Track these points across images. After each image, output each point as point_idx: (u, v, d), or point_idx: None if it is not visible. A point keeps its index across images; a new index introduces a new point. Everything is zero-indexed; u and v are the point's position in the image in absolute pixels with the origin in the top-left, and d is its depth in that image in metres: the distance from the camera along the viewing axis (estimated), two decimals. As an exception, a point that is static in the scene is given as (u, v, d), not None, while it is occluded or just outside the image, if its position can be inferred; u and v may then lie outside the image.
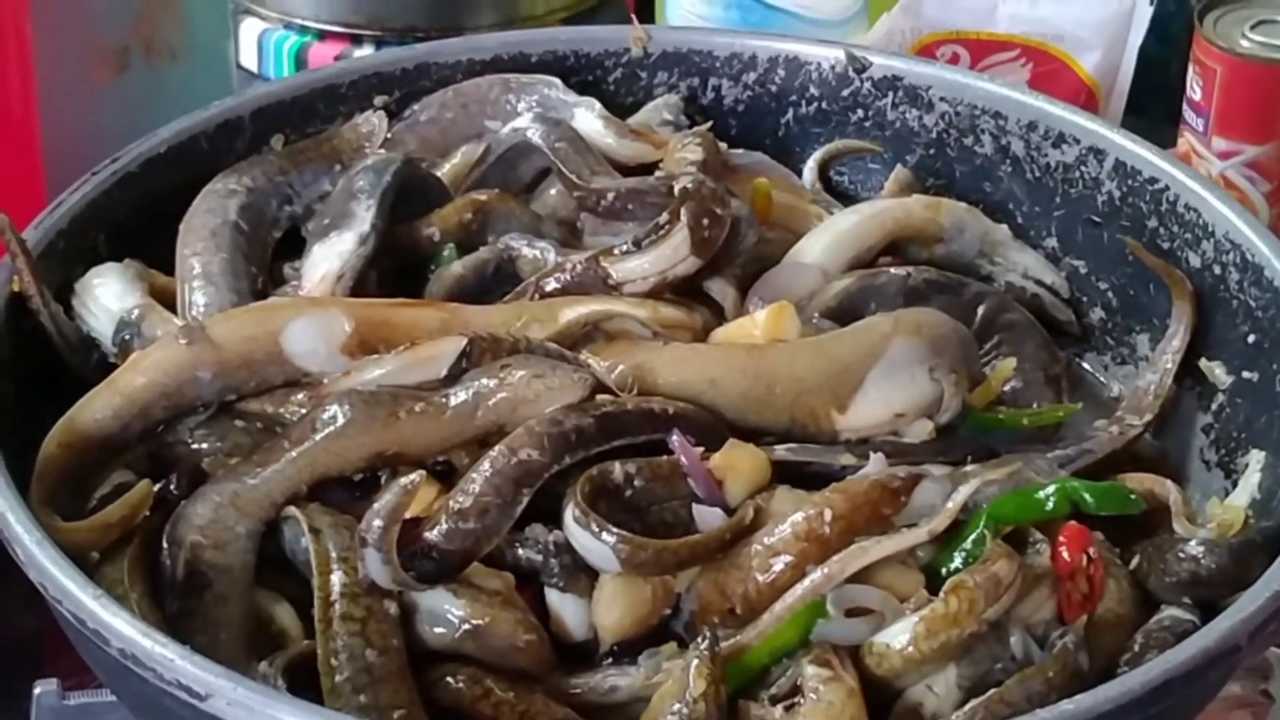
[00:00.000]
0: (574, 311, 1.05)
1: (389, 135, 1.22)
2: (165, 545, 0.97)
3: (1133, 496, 1.02)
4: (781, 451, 1.01)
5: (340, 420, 0.98)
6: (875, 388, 1.02)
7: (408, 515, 0.94)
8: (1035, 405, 1.11)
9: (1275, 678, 1.12)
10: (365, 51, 1.42)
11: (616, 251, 1.08)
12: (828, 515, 0.96)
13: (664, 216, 1.08)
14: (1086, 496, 1.00)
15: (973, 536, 0.97)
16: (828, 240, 1.16)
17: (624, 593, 0.96)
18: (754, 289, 1.11)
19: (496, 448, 0.96)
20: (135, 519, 0.99)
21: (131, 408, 1.02)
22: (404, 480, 0.95)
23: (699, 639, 0.93)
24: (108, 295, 1.10)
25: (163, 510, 0.99)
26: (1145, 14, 1.43)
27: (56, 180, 1.12)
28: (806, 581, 0.95)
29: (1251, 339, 1.10)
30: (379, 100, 1.23)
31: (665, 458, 0.99)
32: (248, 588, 0.98)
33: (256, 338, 1.03)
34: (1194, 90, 1.39)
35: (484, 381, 0.99)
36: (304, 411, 1.01)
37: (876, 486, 0.98)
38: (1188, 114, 1.40)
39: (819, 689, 0.92)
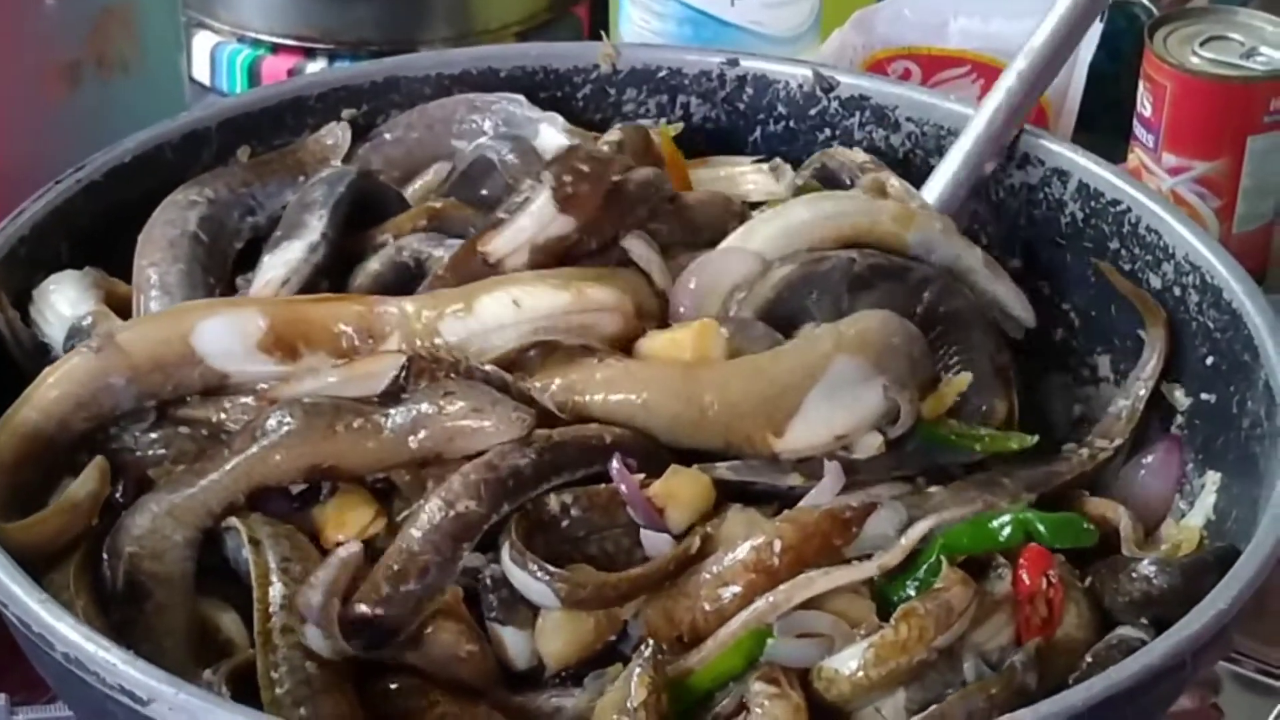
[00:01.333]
0: (493, 298, 1.03)
1: (358, 154, 1.22)
2: (105, 556, 0.97)
3: (1088, 528, 1.01)
4: (724, 471, 1.00)
5: (281, 430, 0.98)
6: (815, 409, 1.00)
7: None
8: (984, 406, 1.09)
9: (1225, 692, 1.12)
10: (319, 65, 1.42)
11: (489, 231, 1.07)
12: (777, 546, 0.96)
13: (527, 183, 1.07)
14: (1040, 528, 0.99)
15: (926, 565, 0.97)
16: (775, 230, 1.11)
17: (566, 624, 0.95)
18: (687, 271, 1.08)
19: (433, 500, 0.96)
20: (101, 497, 0.99)
21: (48, 421, 1.01)
22: (342, 553, 0.94)
23: (641, 647, 0.93)
24: (62, 302, 1.10)
25: (109, 518, 0.99)
26: (1095, 30, 1.44)
27: (8, 196, 1.12)
28: (750, 609, 0.95)
29: (1210, 361, 1.10)
30: (346, 113, 1.23)
31: (603, 486, 0.98)
32: (189, 596, 0.98)
33: (168, 340, 1.02)
34: (1144, 106, 1.39)
35: (424, 408, 0.98)
36: (247, 419, 1.01)
37: (827, 517, 0.97)
38: (1138, 130, 1.40)
39: (764, 704, 0.93)
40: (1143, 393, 1.13)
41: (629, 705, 0.91)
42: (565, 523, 0.97)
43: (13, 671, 1.02)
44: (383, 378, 0.99)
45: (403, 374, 0.99)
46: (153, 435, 1.03)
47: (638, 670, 0.92)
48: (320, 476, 0.99)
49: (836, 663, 0.94)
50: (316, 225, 1.11)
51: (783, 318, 1.06)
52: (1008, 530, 0.99)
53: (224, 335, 1.03)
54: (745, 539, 0.97)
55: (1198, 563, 1.01)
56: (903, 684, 0.93)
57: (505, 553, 0.95)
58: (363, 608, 0.93)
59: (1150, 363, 1.13)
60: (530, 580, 0.94)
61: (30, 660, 0.97)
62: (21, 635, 0.93)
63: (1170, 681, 0.93)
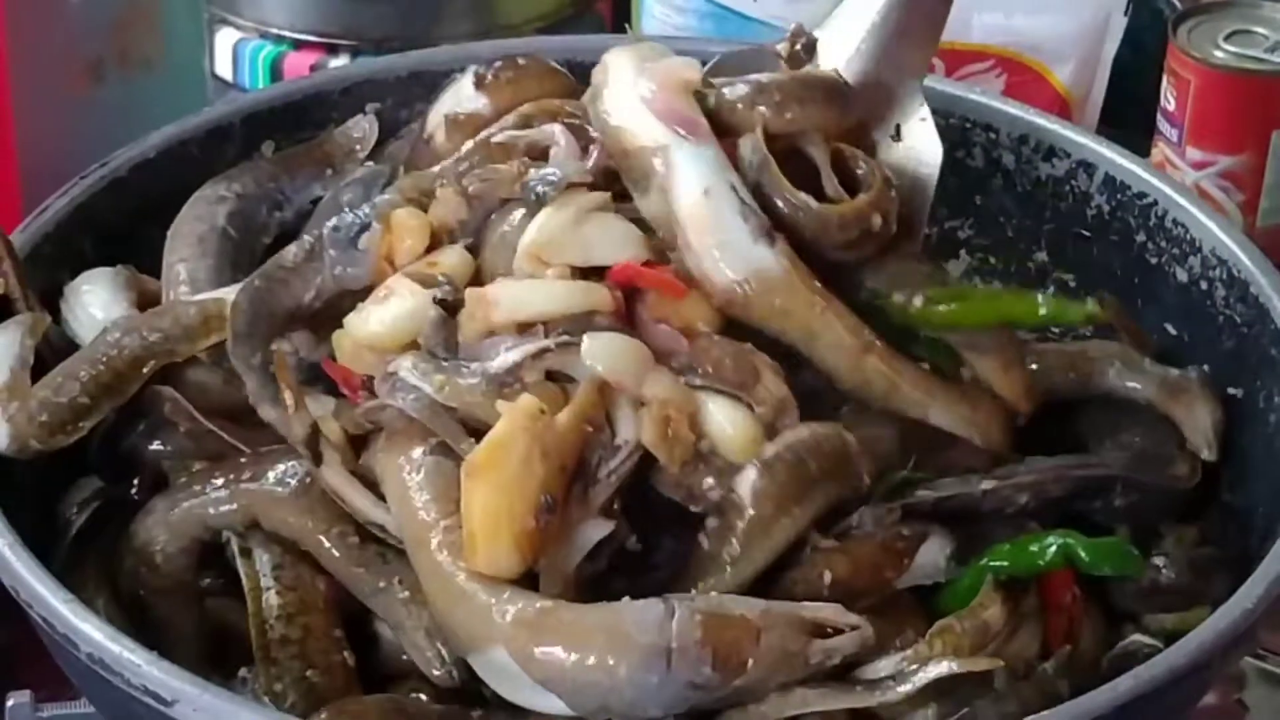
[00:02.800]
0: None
1: (387, 151, 1.21)
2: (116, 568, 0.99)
3: (1130, 553, 0.99)
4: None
5: (289, 483, 0.98)
6: None
7: None
8: None
9: (1250, 687, 1.12)
10: (341, 61, 1.42)
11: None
12: (827, 579, 0.95)
13: None
14: (1082, 553, 0.97)
15: (968, 583, 0.96)
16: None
17: None
18: None
19: None
20: None
21: None
22: None
23: None
24: (94, 302, 1.10)
25: (125, 514, 1.00)
26: (1119, 25, 1.43)
27: (33, 192, 1.12)
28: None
29: (1236, 355, 1.10)
30: (370, 107, 1.23)
31: None
32: (193, 606, 0.99)
33: None
34: (1168, 101, 1.39)
35: None
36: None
37: (879, 548, 0.96)
38: (1162, 124, 1.40)
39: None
40: None
41: None
42: None
43: (38, 668, 1.02)
44: None
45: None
46: (150, 436, 1.03)
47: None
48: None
49: (869, 673, 0.92)
50: None
51: None
52: (1051, 553, 0.97)
53: None
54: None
55: (1207, 557, 1.02)
56: (933, 700, 0.92)
57: None
58: None
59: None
60: None
61: (55, 659, 0.97)
62: (47, 635, 0.93)
63: (1196, 681, 0.93)
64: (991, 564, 0.97)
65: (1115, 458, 1.06)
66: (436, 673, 0.93)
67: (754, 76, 1.04)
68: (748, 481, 0.95)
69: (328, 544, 0.96)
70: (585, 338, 0.94)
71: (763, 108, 1.01)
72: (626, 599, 0.88)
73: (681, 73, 1.03)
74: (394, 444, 0.95)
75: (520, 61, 1.13)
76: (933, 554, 0.97)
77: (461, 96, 1.12)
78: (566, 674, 0.87)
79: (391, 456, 0.95)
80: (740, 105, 1.02)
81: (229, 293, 1.02)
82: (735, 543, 0.94)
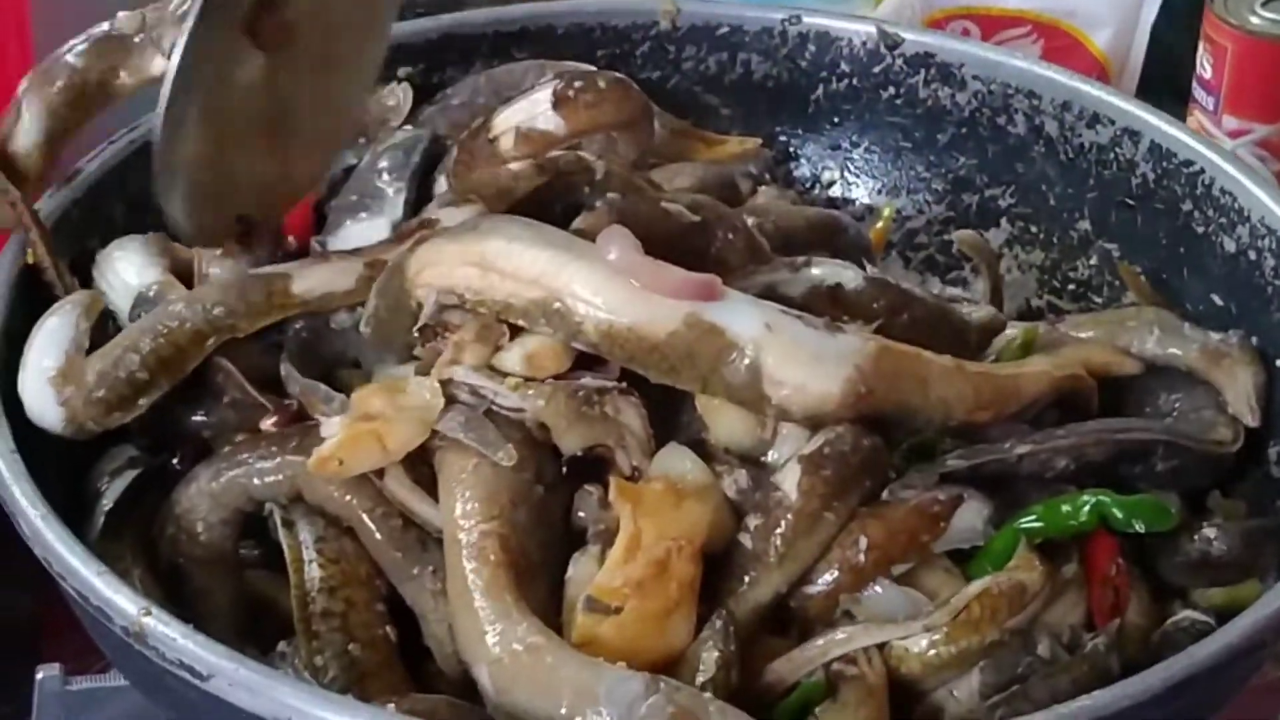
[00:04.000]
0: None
1: (421, 116, 1.20)
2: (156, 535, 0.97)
3: (1166, 509, 0.98)
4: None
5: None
6: None
7: None
8: None
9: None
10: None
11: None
12: (863, 544, 0.94)
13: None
14: (1116, 511, 0.97)
15: (1003, 545, 0.95)
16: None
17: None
18: None
19: None
20: None
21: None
22: None
23: (714, 619, 0.91)
24: (128, 269, 1.08)
25: (164, 484, 0.99)
26: (1156, -9, 1.42)
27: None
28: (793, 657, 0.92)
29: (1286, 327, 1.08)
30: (402, 71, 1.21)
31: None
32: (233, 577, 0.97)
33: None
34: (1204, 68, 1.37)
35: None
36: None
37: (914, 512, 0.95)
38: (1198, 92, 1.38)
39: (839, 688, 0.91)
40: None
41: (699, 680, 0.89)
42: None
43: (66, 640, 1.01)
44: None
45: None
46: (194, 406, 1.02)
47: (709, 642, 0.90)
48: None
49: (908, 640, 0.92)
50: (397, 200, 1.10)
51: None
52: (1084, 514, 0.96)
53: None
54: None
55: (1259, 529, 1.00)
56: (976, 664, 0.92)
57: None
58: None
59: None
60: None
61: (88, 632, 0.96)
62: (80, 608, 0.92)
63: (1249, 660, 0.91)
64: (1024, 525, 0.96)
65: (1156, 422, 1.04)
66: (449, 671, 0.93)
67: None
68: (791, 477, 0.94)
69: (370, 523, 0.95)
70: None
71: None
72: (621, 665, 0.87)
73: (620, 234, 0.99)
74: (452, 450, 0.95)
75: (600, 84, 1.11)
76: (970, 517, 0.96)
77: (537, 111, 1.09)
78: (530, 714, 0.87)
79: (450, 454, 0.94)
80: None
81: (295, 268, 1.02)
82: (780, 540, 0.93)
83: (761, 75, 1.27)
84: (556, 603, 0.92)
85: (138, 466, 1.00)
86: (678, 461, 0.95)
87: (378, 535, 0.95)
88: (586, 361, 0.96)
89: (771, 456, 0.97)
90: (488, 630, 0.89)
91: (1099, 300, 1.20)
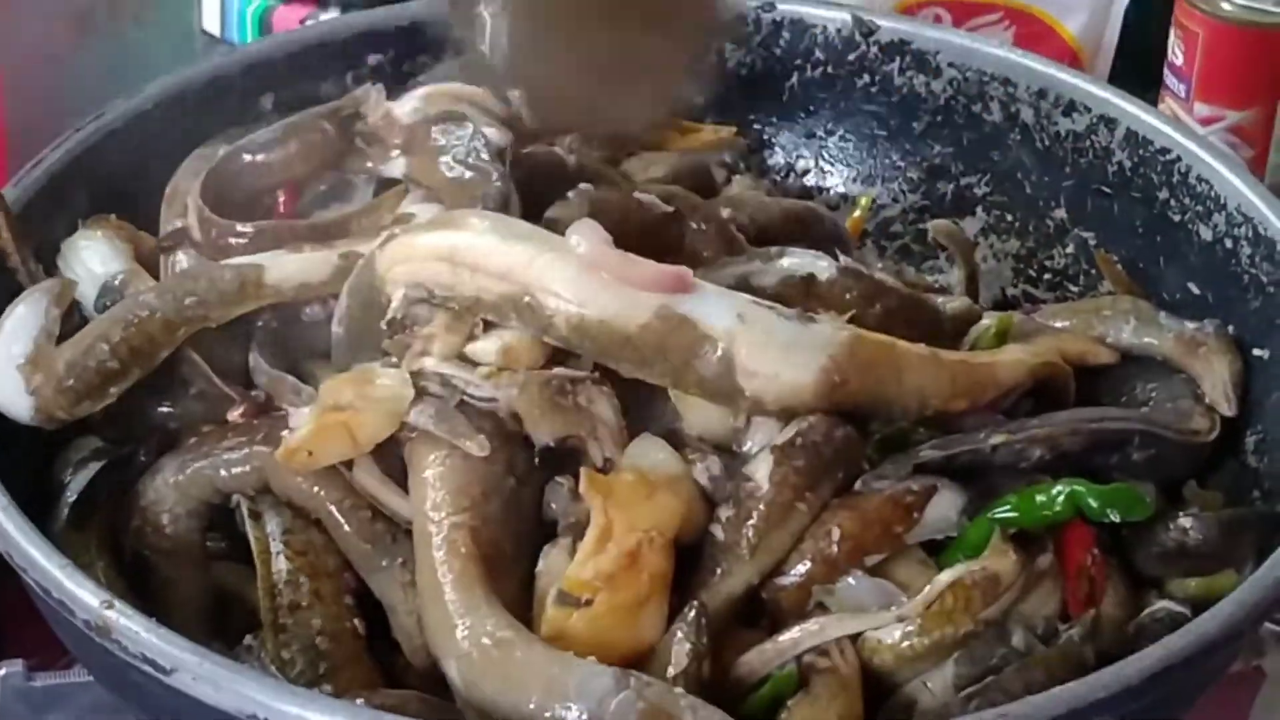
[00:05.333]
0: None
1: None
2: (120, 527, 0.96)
3: (1142, 499, 0.97)
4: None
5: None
6: None
7: None
8: None
9: (1270, 654, 1.10)
10: (330, 15, 1.39)
11: None
12: (835, 534, 0.93)
13: None
14: (1091, 501, 0.95)
15: (975, 536, 0.94)
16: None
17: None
18: None
19: None
20: None
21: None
22: None
23: (686, 610, 0.90)
24: (93, 258, 1.07)
25: (128, 475, 0.98)
26: (1130, -23, 1.41)
27: (19, 144, 1.09)
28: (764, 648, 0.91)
29: (1262, 315, 1.07)
30: (372, 59, 1.21)
31: None
32: (199, 570, 0.96)
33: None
34: (1175, 55, 1.36)
35: None
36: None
37: (888, 503, 0.94)
38: (1169, 79, 1.37)
39: (810, 680, 0.90)
40: None
41: (670, 672, 0.88)
42: None
43: (28, 635, 1.00)
44: None
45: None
46: (160, 396, 1.01)
47: (681, 634, 0.89)
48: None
49: (881, 631, 0.91)
50: (366, 191, 1.09)
51: None
52: (1059, 504, 0.95)
53: None
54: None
55: (1237, 518, 0.99)
56: (950, 656, 0.91)
57: None
58: None
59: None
60: None
61: (51, 626, 0.95)
62: (42, 601, 0.91)
63: (1225, 651, 0.91)
64: (998, 516, 0.95)
65: (1133, 411, 1.04)
66: (418, 664, 0.92)
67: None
68: (764, 468, 0.93)
69: (338, 515, 0.94)
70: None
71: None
72: (592, 659, 0.86)
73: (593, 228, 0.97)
74: (422, 439, 0.94)
75: None
76: (944, 508, 0.95)
77: None
78: (498, 709, 0.86)
79: (421, 446, 0.94)
80: None
81: (268, 259, 1.01)
82: (752, 532, 0.92)
83: (735, 63, 1.26)
84: (528, 595, 0.91)
85: (103, 458, 0.99)
86: (650, 452, 0.95)
87: (346, 527, 0.94)
88: (561, 356, 0.95)
89: (746, 446, 0.96)
90: (457, 624, 0.88)
91: (1075, 289, 1.19)
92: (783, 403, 0.94)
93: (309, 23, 1.41)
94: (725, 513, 0.93)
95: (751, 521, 0.92)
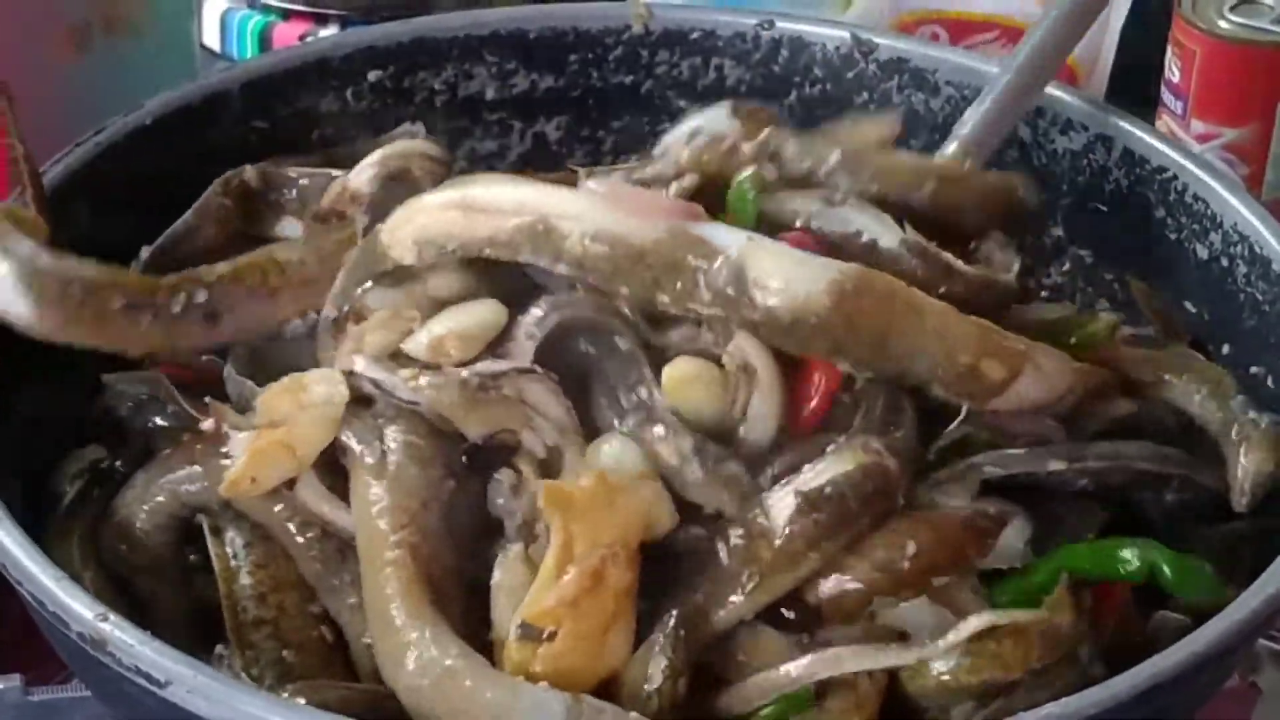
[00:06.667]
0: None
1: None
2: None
3: (1216, 580, 0.94)
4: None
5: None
6: None
7: None
8: None
9: (1264, 670, 1.10)
10: (330, 31, 1.40)
11: None
12: (910, 549, 0.91)
13: None
14: (1166, 570, 0.93)
15: (1040, 579, 0.93)
16: None
17: None
18: None
19: None
20: None
21: None
22: None
23: (666, 618, 0.88)
24: None
25: (111, 487, 0.98)
26: (1126, -5, 1.42)
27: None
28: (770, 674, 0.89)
29: (1259, 333, 1.07)
30: (372, 75, 1.21)
31: None
32: (176, 583, 0.97)
33: None
34: (1172, 72, 1.36)
35: None
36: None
37: (965, 527, 0.92)
38: (1166, 96, 1.37)
39: (826, 693, 0.89)
40: None
41: (646, 689, 0.87)
42: None
43: (25, 651, 1.00)
44: None
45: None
46: (139, 406, 1.01)
47: (657, 648, 0.88)
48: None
49: (930, 654, 0.89)
50: None
51: None
52: (1134, 566, 0.93)
53: None
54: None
55: (1236, 534, 0.99)
56: (988, 699, 0.89)
57: None
58: None
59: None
60: None
61: (48, 639, 0.95)
62: (37, 614, 0.91)
63: (1218, 668, 0.91)
64: (1070, 565, 0.93)
65: (1180, 457, 1.01)
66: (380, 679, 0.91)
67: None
68: (784, 511, 0.91)
69: (292, 530, 0.94)
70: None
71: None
72: (545, 685, 0.85)
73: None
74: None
75: None
76: (1013, 538, 0.94)
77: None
78: None
79: (359, 461, 0.93)
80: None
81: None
82: (756, 569, 0.91)
83: (735, 80, 1.25)
84: (477, 601, 0.90)
85: (94, 469, 1.00)
86: (609, 451, 0.93)
87: (298, 541, 0.94)
88: (493, 349, 0.94)
89: (770, 470, 0.93)
90: (405, 655, 0.87)
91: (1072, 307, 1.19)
92: (795, 315, 0.92)
93: (309, 39, 1.41)
94: (735, 538, 0.91)
95: (757, 562, 0.91)
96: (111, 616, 0.86)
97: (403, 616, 0.88)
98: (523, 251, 0.94)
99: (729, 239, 0.94)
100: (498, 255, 0.95)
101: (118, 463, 1.00)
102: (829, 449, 0.93)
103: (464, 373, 0.93)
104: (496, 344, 0.94)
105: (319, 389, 0.93)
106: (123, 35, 1.28)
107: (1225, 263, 1.10)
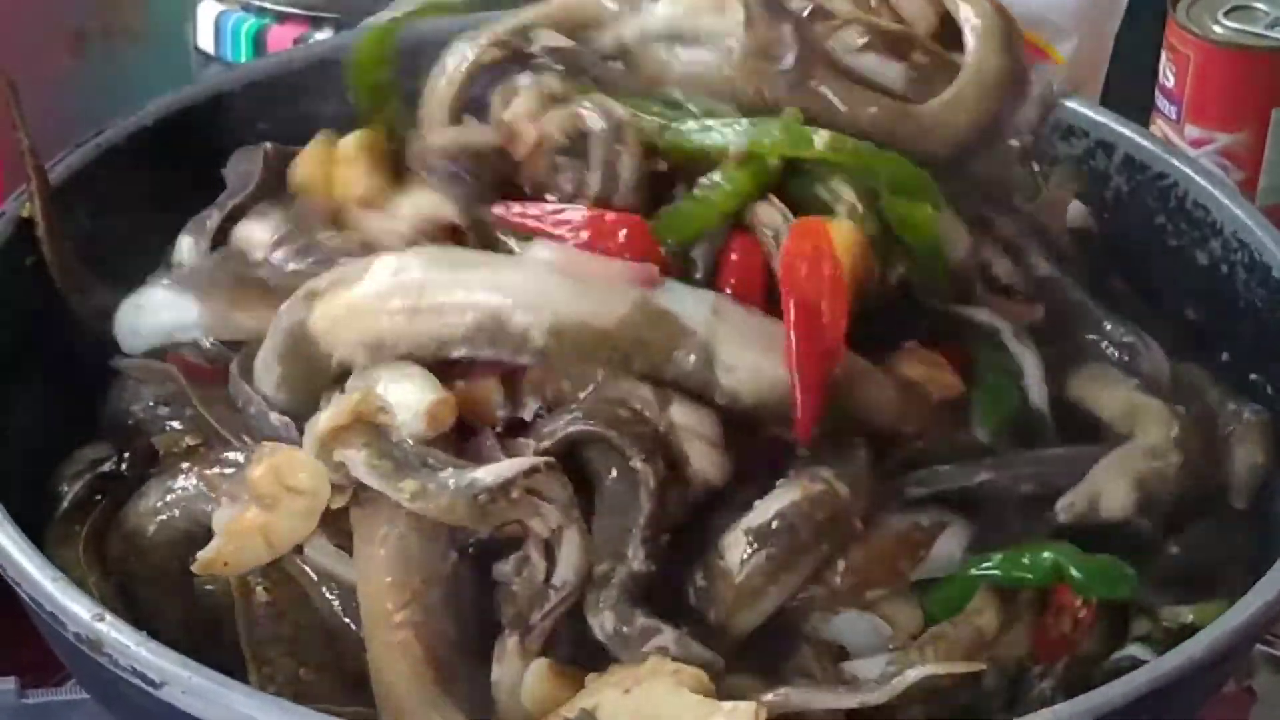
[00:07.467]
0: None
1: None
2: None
3: (1126, 575, 0.94)
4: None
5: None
6: None
7: None
8: None
9: (1261, 675, 1.10)
10: (325, 35, 1.40)
11: None
12: (840, 566, 0.92)
13: None
14: (1075, 573, 0.93)
15: (960, 584, 0.93)
16: None
17: None
18: None
19: None
20: None
21: None
22: None
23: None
24: None
25: (117, 489, 0.98)
26: (1122, 1, 1.41)
27: (14, 164, 1.09)
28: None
29: (1258, 340, 1.07)
30: (374, 77, 1.21)
31: None
32: (181, 596, 0.96)
33: None
34: (1166, 77, 1.37)
35: None
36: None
37: (895, 539, 0.93)
38: (1160, 101, 1.38)
39: None
40: None
41: None
42: None
43: (20, 652, 1.00)
44: None
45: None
46: (165, 404, 1.01)
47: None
48: None
49: (858, 668, 0.90)
50: None
51: None
52: (1043, 570, 0.93)
53: None
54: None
55: (1226, 544, 0.99)
56: (923, 702, 0.89)
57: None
58: None
59: None
60: None
61: (45, 639, 0.95)
62: (34, 614, 0.91)
63: (1214, 674, 0.91)
64: (983, 573, 0.93)
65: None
66: None
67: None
68: (737, 552, 0.91)
69: (308, 572, 0.93)
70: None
71: None
72: None
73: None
74: (365, 511, 0.92)
75: None
76: (948, 546, 0.94)
77: None
78: None
79: (363, 518, 0.91)
80: None
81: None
82: (722, 610, 0.91)
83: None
84: (482, 672, 0.89)
85: (95, 470, 0.99)
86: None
87: (313, 580, 0.93)
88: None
89: (724, 520, 0.93)
90: None
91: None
92: (760, 397, 0.92)
93: (308, 41, 1.41)
94: (699, 583, 0.91)
95: (722, 603, 0.91)
96: (108, 617, 0.87)
97: (411, 702, 0.88)
98: (482, 350, 0.91)
99: (695, 312, 0.92)
100: (457, 355, 0.92)
101: (122, 465, 0.99)
102: (778, 484, 0.93)
103: (473, 490, 0.88)
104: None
105: (304, 478, 0.90)
106: (120, 38, 1.28)
107: (1225, 269, 1.10)
